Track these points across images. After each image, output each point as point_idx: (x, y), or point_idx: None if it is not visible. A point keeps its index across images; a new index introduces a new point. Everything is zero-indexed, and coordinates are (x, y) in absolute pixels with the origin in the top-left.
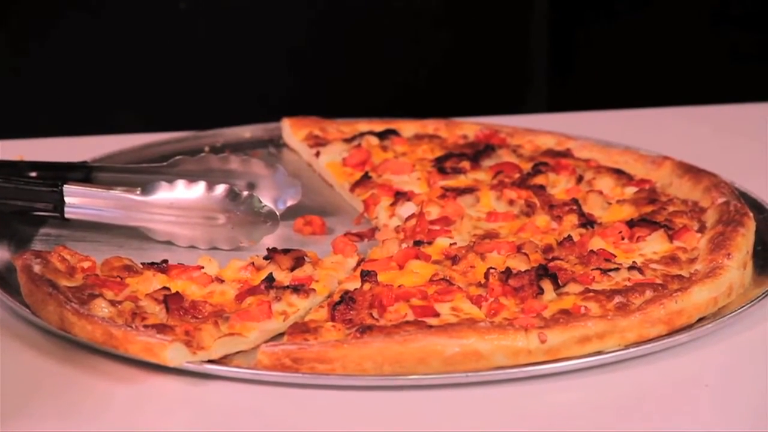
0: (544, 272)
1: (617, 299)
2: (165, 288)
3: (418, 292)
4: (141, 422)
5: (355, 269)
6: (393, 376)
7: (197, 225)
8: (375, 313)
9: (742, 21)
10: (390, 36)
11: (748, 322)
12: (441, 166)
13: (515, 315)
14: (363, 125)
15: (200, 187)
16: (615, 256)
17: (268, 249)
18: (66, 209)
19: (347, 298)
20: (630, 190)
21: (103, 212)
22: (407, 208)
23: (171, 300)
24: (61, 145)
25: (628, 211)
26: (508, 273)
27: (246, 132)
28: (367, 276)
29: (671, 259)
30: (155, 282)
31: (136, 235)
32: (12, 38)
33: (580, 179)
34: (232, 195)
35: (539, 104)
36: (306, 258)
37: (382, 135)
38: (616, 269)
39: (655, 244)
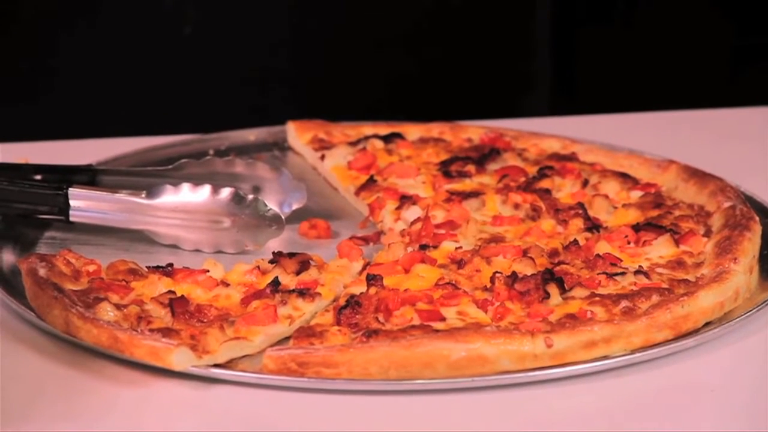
0: (550, 276)
1: (623, 304)
2: (170, 292)
3: (423, 296)
4: (146, 426)
5: (360, 273)
6: (399, 380)
7: (202, 228)
8: (381, 318)
9: (746, 24)
10: (392, 38)
11: (755, 327)
12: (446, 169)
13: (521, 319)
14: (368, 129)
15: (205, 190)
16: (621, 261)
17: (273, 252)
18: (71, 212)
19: (353, 302)
20: (635, 194)
21: (108, 215)
22: (413, 212)
23: (176, 304)
24: (66, 148)
25: (634, 215)
26: (514, 277)
27: (251, 135)
28: (372, 280)
29: (677, 264)
30: (160, 286)
31: (141, 238)
32: (19, 42)
33: (585, 183)
34: (238, 198)
35: (542, 108)
36: (311, 262)
37: (387, 138)
38: (623, 273)
39: (661, 249)
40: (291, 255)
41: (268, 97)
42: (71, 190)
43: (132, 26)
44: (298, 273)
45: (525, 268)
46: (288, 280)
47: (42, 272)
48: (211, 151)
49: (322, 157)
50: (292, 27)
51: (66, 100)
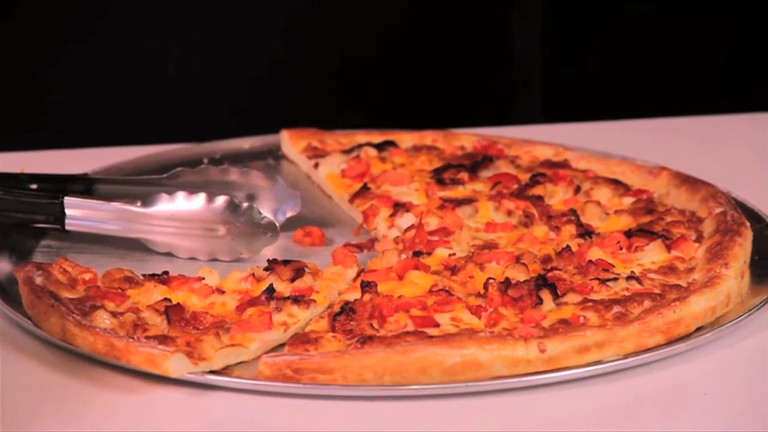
0: (543, 282)
1: (616, 309)
2: (166, 299)
3: (417, 303)
4: None
5: (355, 280)
6: (393, 386)
7: (197, 236)
8: (375, 324)
9: (739, 32)
10: (384, 48)
11: (746, 332)
12: (439, 177)
13: (515, 325)
14: (361, 137)
15: (200, 198)
16: (613, 266)
17: (268, 260)
18: (67, 221)
19: (347, 309)
20: (628, 201)
21: (103, 224)
22: (406, 219)
23: (172, 311)
24: (62, 158)
25: (626, 222)
26: (507, 283)
27: (245, 143)
28: (367, 287)
29: (669, 269)
30: (156, 293)
31: (137, 246)
32: (16, 52)
33: (577, 190)
34: (232, 206)
35: (535, 115)
36: (306, 269)
37: (381, 146)
38: (615, 279)
39: (653, 254)
40: (286, 262)
41: (261, 107)
42: (67, 199)
43: (127, 35)
44: (292, 280)
45: (518, 275)
46: (283, 288)
47: (38, 281)
48: (206, 160)
49: (316, 165)
50: (284, 37)
51: (62, 109)
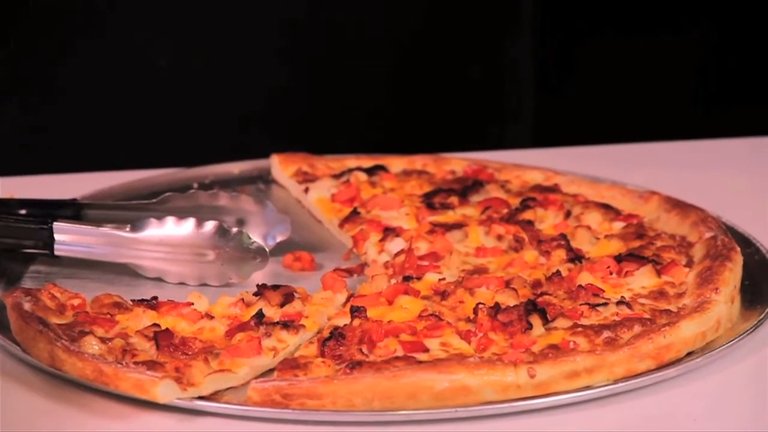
0: (532, 307)
1: (606, 334)
2: (155, 325)
3: (407, 328)
4: None
5: (344, 305)
6: (383, 411)
7: (187, 261)
8: (364, 349)
9: (726, 57)
10: (375, 73)
11: (736, 356)
12: (429, 201)
13: (504, 350)
14: (351, 161)
15: (189, 223)
16: (603, 291)
17: (257, 285)
18: (56, 246)
19: (337, 334)
20: (618, 225)
21: (92, 249)
22: (396, 244)
23: (161, 337)
24: (51, 183)
25: (616, 246)
26: (497, 308)
27: (235, 168)
28: (356, 312)
29: (659, 294)
30: (145, 319)
31: (126, 271)
32: (2, 77)
33: (568, 214)
34: (222, 231)
35: (525, 139)
36: (295, 294)
37: (371, 171)
38: (605, 304)
39: (643, 279)
40: (275, 287)
41: (251, 133)
42: (56, 225)
43: (115, 61)
44: (282, 305)
45: (508, 299)
46: (272, 313)
47: (27, 306)
48: (196, 185)
49: (306, 190)
50: (274, 62)
51: (50, 135)
